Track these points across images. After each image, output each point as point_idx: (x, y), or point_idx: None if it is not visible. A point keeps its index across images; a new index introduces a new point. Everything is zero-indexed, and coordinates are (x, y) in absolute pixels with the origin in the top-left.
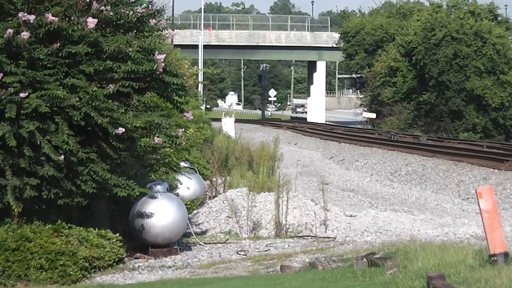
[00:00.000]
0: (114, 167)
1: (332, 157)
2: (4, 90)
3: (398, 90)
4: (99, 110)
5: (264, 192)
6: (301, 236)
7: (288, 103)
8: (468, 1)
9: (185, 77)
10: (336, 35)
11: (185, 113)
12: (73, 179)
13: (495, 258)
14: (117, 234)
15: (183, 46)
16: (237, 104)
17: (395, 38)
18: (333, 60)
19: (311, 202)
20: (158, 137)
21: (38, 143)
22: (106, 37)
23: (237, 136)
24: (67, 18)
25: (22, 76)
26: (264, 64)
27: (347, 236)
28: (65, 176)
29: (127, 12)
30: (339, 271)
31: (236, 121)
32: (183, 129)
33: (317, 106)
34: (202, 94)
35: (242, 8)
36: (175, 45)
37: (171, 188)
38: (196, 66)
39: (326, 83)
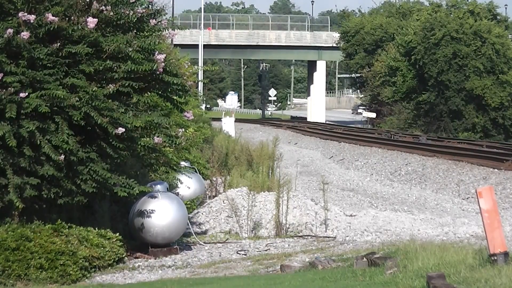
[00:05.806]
0: (114, 167)
1: (332, 156)
2: (4, 90)
3: (397, 90)
4: (99, 110)
5: (264, 192)
6: (301, 236)
7: (288, 102)
8: (467, 0)
9: (185, 77)
10: (336, 35)
11: (185, 113)
12: (73, 179)
13: (495, 258)
14: (117, 234)
15: (183, 46)
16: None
17: (395, 38)
18: (333, 60)
19: (311, 202)
20: (158, 136)
21: (38, 142)
22: (106, 37)
23: (237, 136)
24: (67, 18)
25: (22, 76)
26: (264, 64)
27: (347, 236)
28: (65, 175)
29: (127, 12)
30: (339, 270)
31: (236, 120)
32: (183, 129)
33: (317, 105)
34: (202, 93)
35: (242, 7)
36: (175, 44)
37: (171, 188)
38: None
39: (326, 82)
